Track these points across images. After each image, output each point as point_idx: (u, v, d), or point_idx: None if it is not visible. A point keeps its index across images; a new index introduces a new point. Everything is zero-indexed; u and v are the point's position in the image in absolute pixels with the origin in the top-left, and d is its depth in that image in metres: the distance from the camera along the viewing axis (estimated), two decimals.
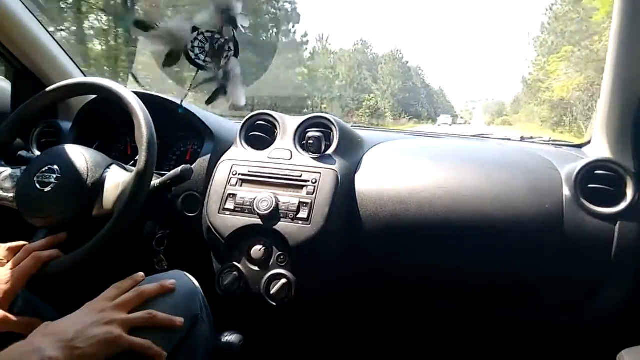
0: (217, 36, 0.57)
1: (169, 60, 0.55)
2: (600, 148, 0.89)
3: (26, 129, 0.96)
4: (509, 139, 1.18)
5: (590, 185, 0.79)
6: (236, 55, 0.60)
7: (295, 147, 0.88)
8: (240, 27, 0.59)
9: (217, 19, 0.57)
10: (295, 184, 0.82)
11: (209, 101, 0.65)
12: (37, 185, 0.70)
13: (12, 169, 0.78)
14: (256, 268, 0.80)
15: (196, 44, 0.58)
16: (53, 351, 0.47)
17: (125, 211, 0.67)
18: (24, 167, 0.76)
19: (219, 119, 1.00)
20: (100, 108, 0.96)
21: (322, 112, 0.92)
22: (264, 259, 0.80)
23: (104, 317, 0.53)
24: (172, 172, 0.74)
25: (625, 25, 0.74)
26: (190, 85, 0.63)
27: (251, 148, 0.91)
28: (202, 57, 0.56)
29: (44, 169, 0.72)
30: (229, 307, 0.84)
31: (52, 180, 0.70)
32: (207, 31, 0.58)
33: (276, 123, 0.92)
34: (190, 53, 0.56)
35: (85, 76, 1.14)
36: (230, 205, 0.82)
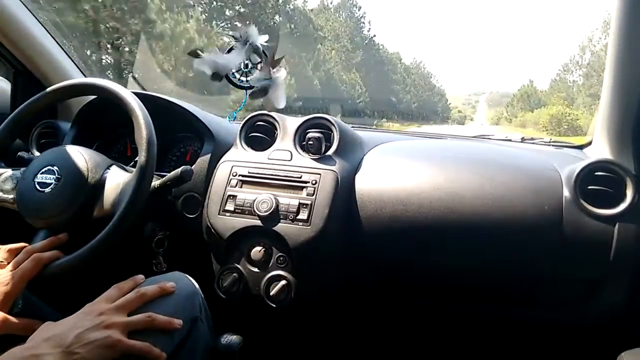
0: (248, 62, 0.66)
1: (215, 77, 0.65)
2: (601, 149, 0.89)
3: (26, 129, 0.96)
4: (510, 140, 1.18)
5: (590, 187, 0.79)
6: (274, 65, 0.67)
7: (295, 148, 0.88)
8: (261, 44, 0.65)
9: (242, 52, 0.64)
10: (295, 185, 0.82)
11: (251, 96, 0.73)
12: (37, 187, 0.71)
13: (12, 170, 0.78)
14: (256, 269, 0.80)
15: (235, 69, 0.67)
16: (51, 357, 0.47)
17: (125, 212, 0.66)
18: (24, 168, 0.76)
19: (219, 120, 1.00)
20: (100, 109, 0.96)
21: (323, 113, 0.92)
22: (263, 260, 0.79)
23: (103, 320, 0.53)
24: (172, 173, 0.74)
25: (625, 26, 0.74)
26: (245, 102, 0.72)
27: (251, 149, 0.91)
28: (243, 79, 0.65)
29: (43, 170, 0.72)
30: (228, 308, 0.84)
31: (52, 181, 0.70)
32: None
33: (276, 124, 0.92)
34: (233, 79, 0.66)
35: (85, 77, 1.14)
36: (230, 206, 0.82)
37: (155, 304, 0.61)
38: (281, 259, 0.79)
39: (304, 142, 0.87)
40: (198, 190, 0.87)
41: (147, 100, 0.77)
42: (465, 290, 0.87)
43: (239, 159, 0.88)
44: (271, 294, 0.77)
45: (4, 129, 0.78)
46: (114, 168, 0.76)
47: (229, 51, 0.71)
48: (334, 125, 0.89)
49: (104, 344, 0.51)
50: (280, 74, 0.67)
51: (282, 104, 0.69)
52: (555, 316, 0.84)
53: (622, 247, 0.74)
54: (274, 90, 0.67)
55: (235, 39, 0.64)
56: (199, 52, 0.63)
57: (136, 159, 0.70)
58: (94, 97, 0.94)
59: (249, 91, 0.69)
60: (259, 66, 0.65)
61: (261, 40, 0.66)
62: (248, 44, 0.65)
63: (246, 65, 0.65)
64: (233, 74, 0.64)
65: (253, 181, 0.84)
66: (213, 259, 0.86)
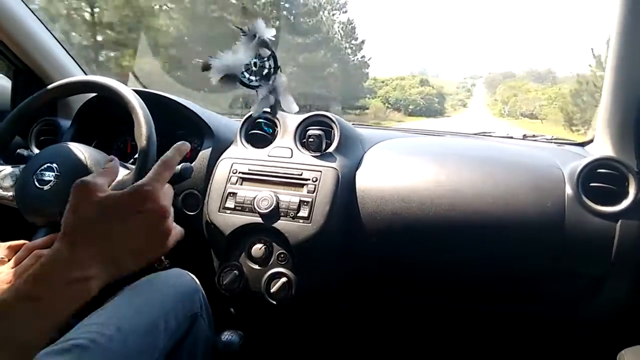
0: (256, 60, 0.64)
1: (227, 82, 0.62)
2: (602, 146, 0.89)
3: (25, 127, 0.96)
4: (511, 137, 1.18)
5: (592, 184, 0.78)
6: (276, 70, 0.65)
7: (296, 145, 0.88)
8: (270, 39, 0.64)
9: (250, 47, 0.62)
10: (295, 183, 0.82)
11: (272, 114, 0.71)
12: (37, 184, 0.70)
13: (12, 167, 0.78)
14: (256, 266, 0.80)
15: (244, 68, 0.65)
16: (99, 279, 0.44)
17: None
18: (23, 165, 0.76)
19: (219, 117, 1.00)
20: (100, 106, 0.95)
21: (323, 111, 0.92)
22: (264, 258, 0.79)
23: (150, 219, 0.48)
24: None
25: (627, 24, 0.74)
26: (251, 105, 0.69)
27: (251, 146, 0.90)
28: (253, 78, 0.63)
29: (42, 168, 0.71)
30: (229, 305, 0.84)
31: (51, 178, 0.70)
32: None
33: (276, 121, 0.92)
34: (243, 79, 0.63)
35: (86, 74, 1.13)
36: (230, 203, 0.82)
37: (155, 302, 0.61)
38: (282, 256, 0.79)
39: (305, 140, 0.87)
40: (198, 187, 0.87)
41: (147, 97, 0.77)
42: (467, 287, 0.87)
43: (239, 156, 0.88)
44: (272, 291, 0.77)
45: (4, 126, 0.78)
46: None
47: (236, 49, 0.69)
48: (335, 123, 0.89)
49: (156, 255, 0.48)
50: (282, 79, 0.66)
51: (295, 109, 0.67)
52: (557, 313, 0.84)
53: (624, 244, 0.74)
54: (282, 97, 0.66)
55: (242, 32, 0.62)
56: (210, 63, 0.61)
57: (136, 156, 0.70)
58: (94, 94, 0.94)
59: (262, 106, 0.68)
60: (267, 64, 0.64)
61: (268, 34, 0.64)
62: (256, 37, 0.63)
63: (255, 64, 0.63)
64: (242, 73, 0.63)
65: (253, 178, 0.84)
66: (214, 256, 0.86)
